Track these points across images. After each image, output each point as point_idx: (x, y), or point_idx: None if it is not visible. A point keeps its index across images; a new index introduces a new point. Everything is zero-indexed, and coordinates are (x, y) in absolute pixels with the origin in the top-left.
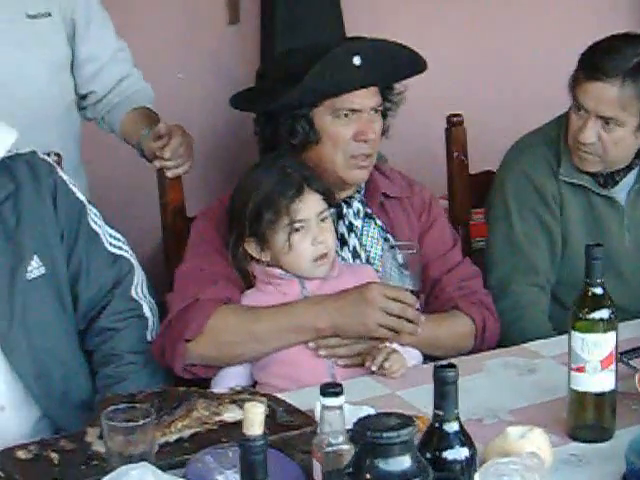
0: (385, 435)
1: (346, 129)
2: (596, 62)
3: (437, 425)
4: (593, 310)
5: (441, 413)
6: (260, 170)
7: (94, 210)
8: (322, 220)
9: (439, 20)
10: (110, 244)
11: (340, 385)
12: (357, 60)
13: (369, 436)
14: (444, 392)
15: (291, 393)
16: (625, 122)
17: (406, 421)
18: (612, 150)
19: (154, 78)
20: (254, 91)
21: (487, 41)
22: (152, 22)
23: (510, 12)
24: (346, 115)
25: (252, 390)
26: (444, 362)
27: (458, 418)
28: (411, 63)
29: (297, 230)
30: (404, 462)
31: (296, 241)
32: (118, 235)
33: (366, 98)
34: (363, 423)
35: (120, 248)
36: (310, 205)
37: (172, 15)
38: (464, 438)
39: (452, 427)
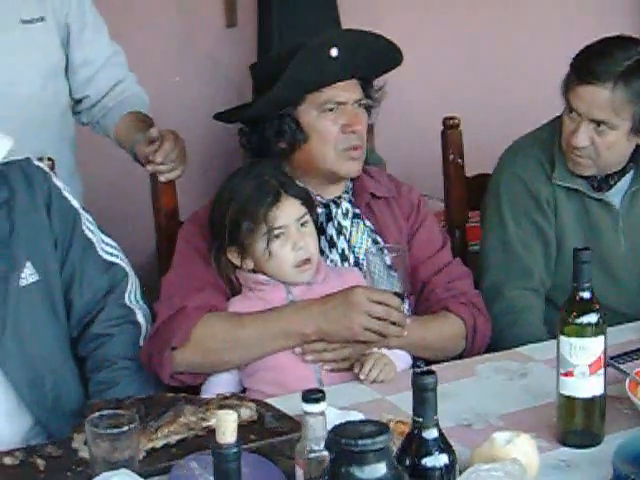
0: (360, 442)
1: (333, 123)
2: (588, 66)
3: (416, 432)
4: (581, 314)
5: (420, 420)
6: (237, 179)
7: (88, 217)
8: (302, 225)
9: (436, 22)
10: (104, 251)
11: (322, 391)
12: (334, 52)
13: (344, 444)
14: (423, 399)
15: (279, 398)
16: (618, 126)
17: (381, 428)
18: (605, 154)
19: (151, 81)
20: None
21: (483, 44)
22: (149, 25)
23: (508, 15)
24: (331, 109)
25: (240, 395)
26: (423, 369)
27: (437, 425)
28: (389, 54)
29: (276, 237)
30: (379, 470)
31: (276, 248)
32: (112, 242)
33: (348, 91)
34: (338, 431)
35: (113, 255)
36: (288, 211)
37: (169, 18)
38: (443, 445)
39: (431, 434)
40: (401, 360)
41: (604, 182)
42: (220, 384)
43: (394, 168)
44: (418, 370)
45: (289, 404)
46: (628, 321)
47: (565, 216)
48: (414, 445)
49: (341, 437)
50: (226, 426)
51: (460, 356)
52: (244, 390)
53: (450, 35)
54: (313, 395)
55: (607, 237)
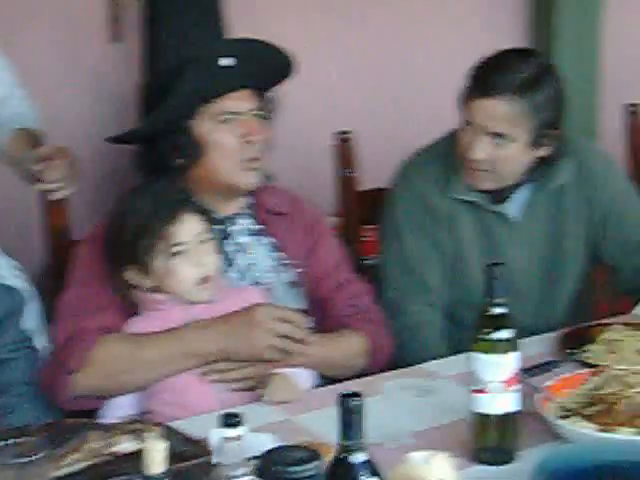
0: (292, 470)
1: (230, 134)
2: (486, 78)
3: (342, 456)
4: (494, 330)
5: (347, 444)
6: (133, 196)
7: None
8: (202, 242)
9: (327, 35)
10: (1, 275)
11: (239, 415)
12: (224, 62)
13: (275, 471)
14: (349, 422)
15: (183, 422)
16: (515, 138)
17: (312, 455)
18: (503, 166)
19: (35, 98)
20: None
21: (373, 53)
22: (32, 40)
23: (396, 24)
24: (226, 121)
25: (145, 420)
26: (348, 391)
27: (365, 448)
28: (281, 62)
29: (176, 254)
30: None
31: (176, 265)
32: (9, 266)
33: (242, 100)
34: (268, 457)
35: (12, 279)
36: (187, 227)
37: (52, 33)
38: (372, 469)
39: (359, 458)
40: (304, 379)
41: (501, 194)
42: (119, 407)
43: (286, 183)
44: (343, 392)
45: (193, 427)
46: (531, 333)
47: (463, 230)
48: (341, 470)
49: (272, 464)
50: (154, 456)
51: (362, 373)
52: (144, 412)
53: (341, 47)
54: (231, 419)
55: (504, 250)
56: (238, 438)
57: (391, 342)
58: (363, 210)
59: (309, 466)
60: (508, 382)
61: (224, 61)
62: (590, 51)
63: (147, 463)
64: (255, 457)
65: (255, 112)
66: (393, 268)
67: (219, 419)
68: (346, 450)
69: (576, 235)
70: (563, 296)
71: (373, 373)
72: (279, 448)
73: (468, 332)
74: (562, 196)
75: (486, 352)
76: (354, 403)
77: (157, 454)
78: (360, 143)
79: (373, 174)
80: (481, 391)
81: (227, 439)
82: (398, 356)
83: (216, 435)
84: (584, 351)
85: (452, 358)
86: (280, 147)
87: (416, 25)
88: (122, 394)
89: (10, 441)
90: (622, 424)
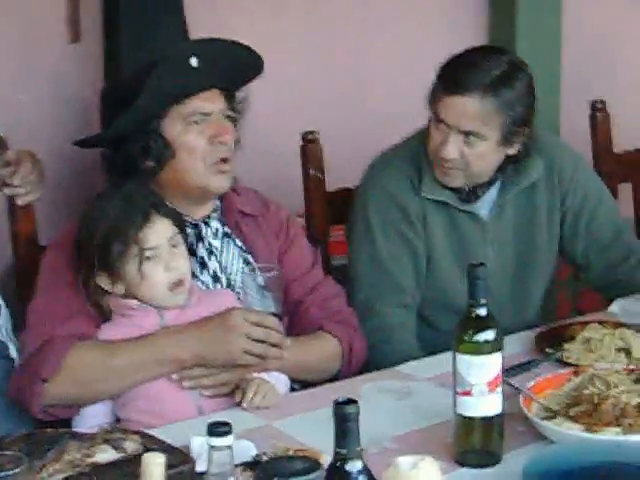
0: None
1: (199, 135)
2: (456, 76)
3: (338, 464)
4: (478, 332)
5: (343, 451)
6: (103, 200)
7: None
8: (173, 246)
9: (291, 35)
10: None
11: (228, 424)
12: (194, 61)
13: None
14: (346, 429)
15: (160, 429)
16: (487, 136)
17: (313, 465)
18: (475, 164)
19: None
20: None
21: (339, 52)
22: None
23: (363, 23)
24: (196, 122)
25: (124, 429)
26: (344, 397)
27: (361, 456)
28: (249, 61)
29: (148, 258)
30: None
31: (148, 270)
32: None
33: (211, 101)
34: (267, 468)
35: None
36: (159, 231)
37: (9, 34)
38: (369, 477)
39: (355, 466)
40: (281, 383)
41: (472, 193)
42: (92, 415)
43: (252, 184)
44: (338, 399)
45: (170, 435)
46: (504, 332)
47: (434, 229)
48: (338, 478)
49: (272, 475)
50: (152, 470)
51: (336, 376)
52: (118, 420)
53: (306, 46)
54: (220, 428)
55: (476, 249)
56: (227, 447)
57: (365, 344)
58: (331, 210)
59: (311, 476)
60: (493, 383)
61: (195, 61)
62: (552, 49)
63: (145, 477)
64: (243, 464)
65: (225, 113)
66: (365, 269)
67: (208, 428)
68: (342, 458)
69: (547, 233)
70: (535, 294)
71: (346, 376)
72: (278, 458)
73: (439, 333)
74: (532, 194)
75: (471, 353)
76: (350, 410)
77: (156, 467)
78: (327, 143)
79: (340, 174)
80: (466, 393)
81: (214, 448)
82: (370, 358)
83: (199, 443)
84: (562, 350)
85: (428, 360)
86: (247, 148)
87: (383, 24)
88: (95, 402)
89: None
90: (608, 424)
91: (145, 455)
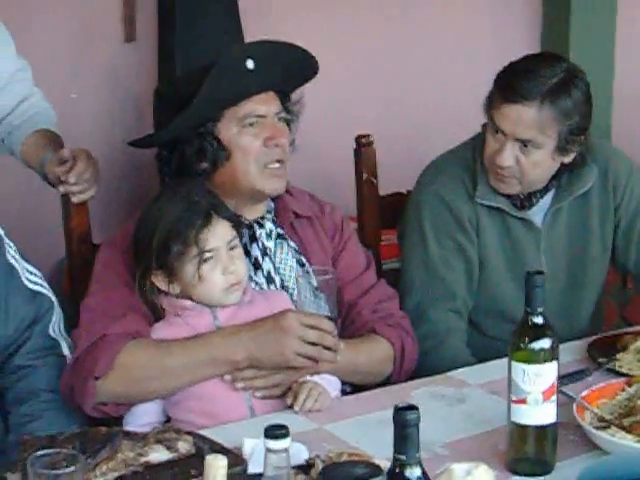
0: None
1: (255, 137)
2: (514, 84)
3: (398, 470)
4: (534, 340)
5: (403, 457)
6: (164, 200)
7: (11, 245)
8: (231, 249)
9: (347, 37)
10: (28, 280)
11: (285, 427)
12: (250, 64)
13: None
14: (405, 435)
15: (212, 430)
16: (543, 144)
17: (374, 470)
18: (530, 172)
19: (49, 98)
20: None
21: (396, 59)
22: (46, 40)
23: (416, 27)
24: (252, 124)
25: (177, 429)
26: (404, 403)
27: (420, 462)
28: (304, 63)
29: (206, 260)
30: None
31: (206, 272)
32: (35, 271)
33: (267, 103)
34: (330, 474)
35: (38, 284)
36: (219, 234)
37: (67, 33)
38: None
39: (414, 473)
40: (332, 386)
41: (526, 200)
42: (143, 414)
43: (305, 187)
44: (399, 405)
45: (222, 435)
46: None
47: (487, 235)
48: None
49: None
50: (216, 472)
51: (387, 379)
52: (168, 420)
53: (361, 48)
54: (277, 430)
55: (529, 256)
56: (284, 450)
57: (417, 348)
58: (383, 215)
59: None
60: (548, 392)
61: (251, 63)
62: (606, 55)
63: (208, 479)
64: (295, 467)
65: (280, 115)
66: (418, 273)
67: (266, 431)
68: (402, 464)
69: (600, 240)
70: (586, 302)
71: (397, 380)
72: (340, 464)
73: (489, 339)
74: (586, 201)
75: (526, 362)
76: (410, 416)
77: (219, 470)
78: (379, 146)
79: (391, 178)
80: (521, 401)
81: (271, 450)
82: (421, 363)
83: (251, 444)
84: (615, 360)
85: (480, 366)
86: (300, 150)
87: (436, 28)
88: (147, 401)
89: (45, 451)
90: None
91: (208, 457)
